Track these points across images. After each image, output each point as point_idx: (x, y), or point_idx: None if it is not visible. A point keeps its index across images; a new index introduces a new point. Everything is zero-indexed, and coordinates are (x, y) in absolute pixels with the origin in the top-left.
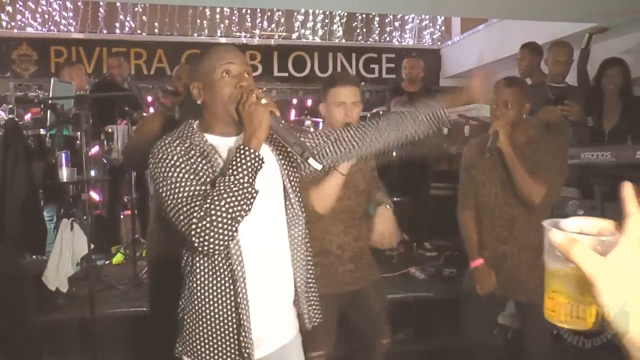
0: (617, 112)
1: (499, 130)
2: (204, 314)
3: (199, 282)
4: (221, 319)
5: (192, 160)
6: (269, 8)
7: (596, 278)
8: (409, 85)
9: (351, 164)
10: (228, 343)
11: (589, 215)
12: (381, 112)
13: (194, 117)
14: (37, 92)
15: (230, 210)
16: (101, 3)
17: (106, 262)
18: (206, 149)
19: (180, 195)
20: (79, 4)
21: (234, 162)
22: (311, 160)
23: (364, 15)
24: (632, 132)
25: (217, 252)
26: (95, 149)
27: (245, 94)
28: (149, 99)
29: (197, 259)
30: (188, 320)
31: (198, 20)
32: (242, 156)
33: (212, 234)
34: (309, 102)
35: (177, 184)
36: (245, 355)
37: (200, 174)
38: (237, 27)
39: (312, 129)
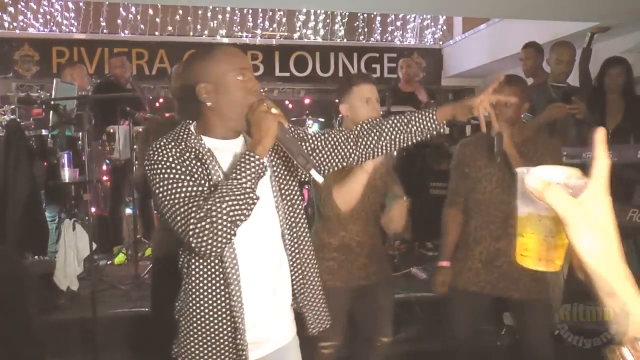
0: (620, 111)
1: (503, 132)
2: (198, 317)
3: (194, 284)
4: (216, 321)
5: (187, 163)
6: (271, 8)
7: (568, 217)
8: (405, 86)
9: (376, 162)
10: (223, 346)
11: None
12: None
13: (191, 117)
14: (39, 92)
15: (232, 214)
16: (103, 3)
17: (108, 262)
18: (201, 152)
19: (177, 195)
20: (81, 4)
21: (238, 167)
22: (313, 172)
23: (365, 15)
24: (635, 131)
25: (213, 254)
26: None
27: (256, 101)
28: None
29: (193, 261)
30: (183, 322)
31: (200, 21)
32: (247, 161)
33: (211, 235)
34: (306, 102)
35: (174, 185)
36: (242, 358)
37: (195, 176)
38: (239, 27)
39: (311, 131)
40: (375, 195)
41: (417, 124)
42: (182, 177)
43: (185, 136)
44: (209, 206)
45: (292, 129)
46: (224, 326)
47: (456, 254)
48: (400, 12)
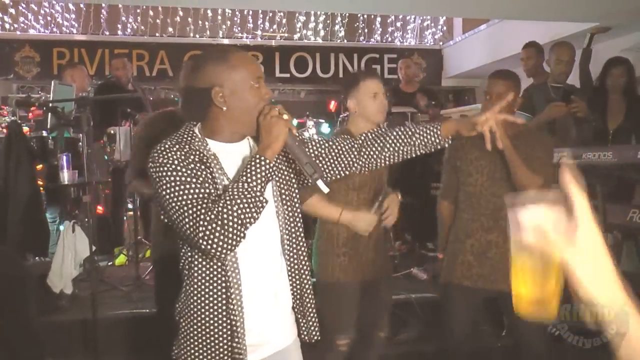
0: (622, 111)
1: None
2: (198, 319)
3: (195, 286)
4: (215, 324)
5: (192, 165)
6: (271, 9)
7: (570, 261)
8: (406, 86)
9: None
10: (221, 348)
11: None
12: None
13: (197, 119)
14: (39, 93)
15: (242, 216)
16: (103, 5)
17: (109, 264)
18: (206, 155)
19: (185, 197)
20: (81, 5)
21: (248, 170)
22: (319, 182)
23: (365, 16)
24: (637, 131)
25: (223, 255)
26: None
27: (268, 106)
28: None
29: (194, 263)
30: (183, 324)
31: (200, 22)
32: (257, 165)
33: (222, 237)
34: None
35: (181, 187)
36: None
37: (200, 179)
38: (239, 28)
39: (315, 136)
40: (381, 187)
41: (421, 138)
42: (189, 179)
43: (189, 138)
44: (219, 208)
45: (298, 134)
46: (222, 329)
47: (448, 248)
48: (401, 13)
